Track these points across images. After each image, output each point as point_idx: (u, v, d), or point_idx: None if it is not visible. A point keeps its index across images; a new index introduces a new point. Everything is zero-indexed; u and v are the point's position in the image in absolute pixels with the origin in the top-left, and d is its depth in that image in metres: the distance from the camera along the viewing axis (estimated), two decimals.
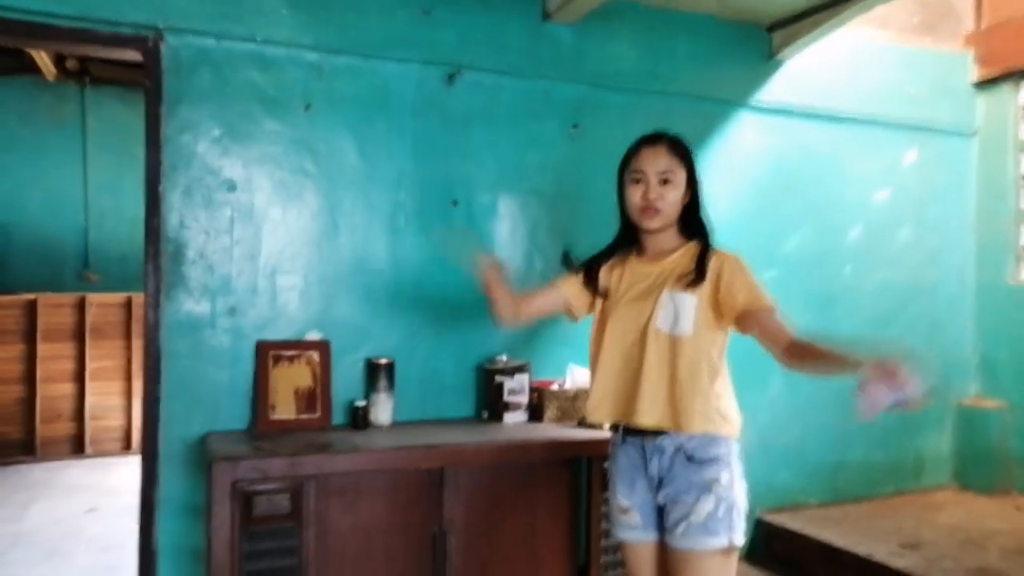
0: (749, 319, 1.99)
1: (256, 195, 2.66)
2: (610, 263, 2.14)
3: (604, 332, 2.05)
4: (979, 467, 3.86)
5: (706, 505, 1.91)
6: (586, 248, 3.08)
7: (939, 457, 3.92)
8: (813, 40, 3.40)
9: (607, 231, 3.17)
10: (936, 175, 3.92)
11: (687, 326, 1.93)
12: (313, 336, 2.70)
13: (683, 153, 2.07)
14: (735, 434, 2.02)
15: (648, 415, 1.94)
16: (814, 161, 3.62)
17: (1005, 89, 3.90)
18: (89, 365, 6.13)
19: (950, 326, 3.95)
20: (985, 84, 3.94)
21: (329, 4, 2.75)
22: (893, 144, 3.81)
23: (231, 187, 2.63)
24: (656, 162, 2.03)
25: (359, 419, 2.65)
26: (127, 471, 5.49)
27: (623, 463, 2.04)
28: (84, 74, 6.33)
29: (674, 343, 1.94)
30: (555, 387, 2.93)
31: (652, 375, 1.94)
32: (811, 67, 3.57)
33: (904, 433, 3.82)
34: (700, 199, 2.09)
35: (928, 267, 3.90)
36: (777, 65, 3.52)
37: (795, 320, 3.50)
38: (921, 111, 3.84)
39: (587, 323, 3.11)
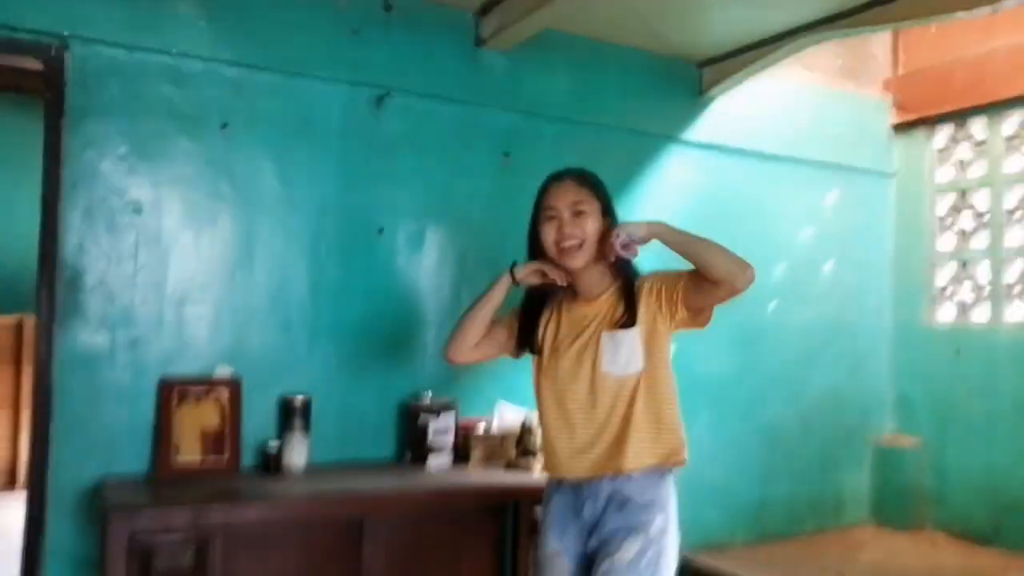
0: (691, 298, 1.97)
1: (165, 218, 2.47)
2: (544, 315, 2.03)
3: (548, 386, 1.96)
4: (896, 504, 3.91)
5: (634, 545, 1.83)
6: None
7: (858, 494, 3.96)
8: (742, 79, 3.43)
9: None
10: (857, 215, 4.01)
11: (636, 362, 1.86)
12: (223, 371, 2.51)
13: (592, 184, 2.01)
14: (682, 462, 2.01)
15: (591, 466, 1.85)
16: (740, 198, 3.64)
17: (921, 134, 4.03)
18: None
19: (869, 364, 4.02)
20: (902, 128, 4.06)
21: (252, 18, 2.59)
22: (816, 183, 3.88)
23: (137, 209, 2.43)
24: (566, 195, 1.97)
25: (271, 463, 2.46)
26: (10, 511, 5.07)
27: (556, 508, 1.96)
28: None
29: (625, 384, 1.88)
30: (482, 428, 2.81)
31: (610, 424, 1.87)
32: (739, 105, 3.60)
33: (825, 469, 3.85)
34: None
35: (849, 305, 3.97)
36: (707, 102, 3.53)
37: (721, 356, 3.52)
38: (843, 152, 3.92)
39: (518, 362, 3.03)
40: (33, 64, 2.40)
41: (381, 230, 2.80)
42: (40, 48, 2.33)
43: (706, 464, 3.48)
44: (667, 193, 3.42)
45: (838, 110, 3.91)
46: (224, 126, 2.55)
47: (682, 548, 3.35)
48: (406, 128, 2.86)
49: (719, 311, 3.47)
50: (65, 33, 2.35)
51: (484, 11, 2.95)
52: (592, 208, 1.96)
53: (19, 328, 5.49)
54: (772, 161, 3.71)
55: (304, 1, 2.69)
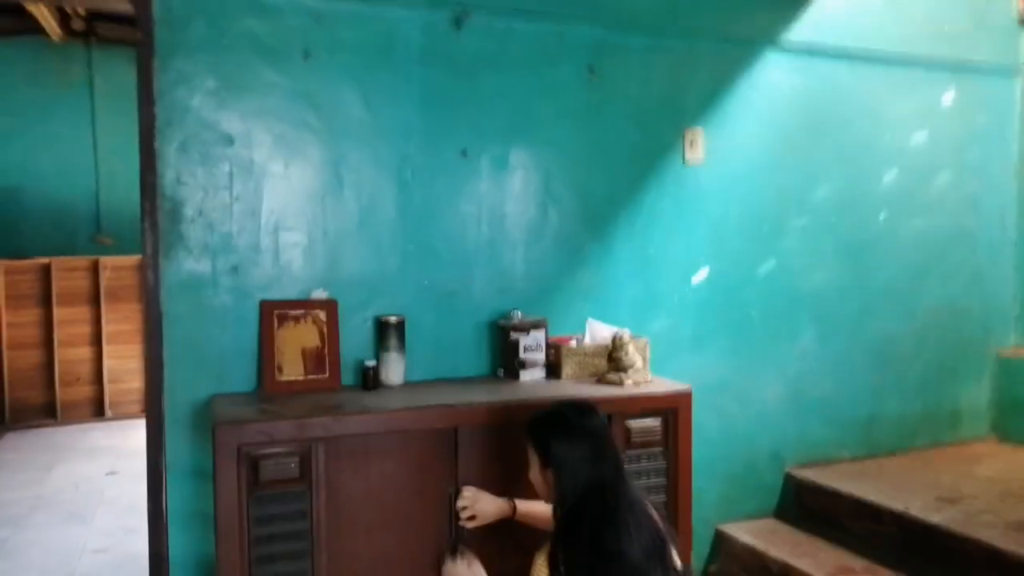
0: None
1: (255, 150, 2.54)
2: None
3: None
4: (1017, 417, 3.71)
5: None
6: (603, 199, 2.97)
7: (977, 408, 3.77)
8: None
9: (626, 180, 3.04)
10: (976, 116, 3.70)
11: None
12: (319, 295, 2.60)
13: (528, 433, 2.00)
14: None
15: None
16: (846, 103, 3.42)
17: None
18: (105, 328, 6.13)
19: (990, 275, 3.77)
20: None
21: None
22: (930, 84, 3.60)
23: (229, 142, 2.50)
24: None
25: (369, 379, 2.55)
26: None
27: None
28: (90, 34, 6.21)
29: None
30: (573, 343, 2.82)
31: None
32: (842, 4, 3.36)
33: (941, 384, 3.68)
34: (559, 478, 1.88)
35: (968, 214, 3.71)
36: (806, 2, 3.30)
37: (826, 269, 3.38)
38: (961, 47, 3.61)
39: (609, 274, 3.01)
40: (124, 6, 2.48)
41: (465, 152, 2.79)
42: None
43: (812, 380, 3.40)
44: (767, 103, 3.26)
45: (954, 2, 3.60)
46: (307, 56, 2.58)
47: (785, 462, 3.34)
48: (487, 48, 2.81)
49: (824, 225, 3.34)
50: None
51: None
52: (531, 458, 1.98)
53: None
54: (880, 62, 3.46)
55: None
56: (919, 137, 3.59)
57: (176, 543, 2.48)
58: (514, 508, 2.27)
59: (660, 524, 1.85)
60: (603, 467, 1.85)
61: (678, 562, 1.83)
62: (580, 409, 1.95)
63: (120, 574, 3.43)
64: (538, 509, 2.21)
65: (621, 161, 3.03)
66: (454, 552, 2.16)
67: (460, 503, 2.27)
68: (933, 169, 3.63)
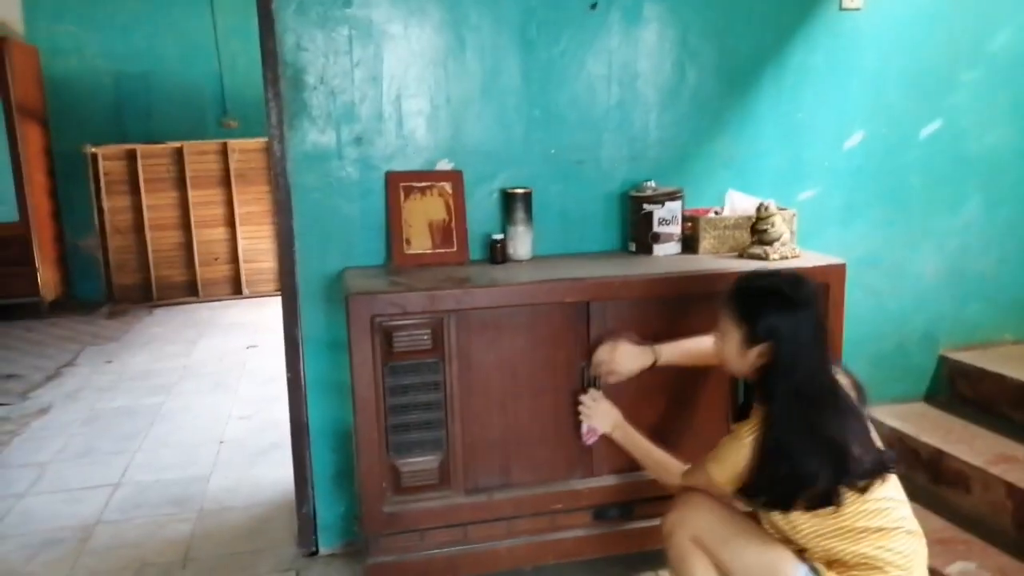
0: None
1: (374, 10, 2.40)
2: None
3: None
4: None
5: None
6: (746, 55, 2.69)
7: None
8: None
9: (772, 32, 2.73)
10: None
11: None
12: (444, 166, 2.50)
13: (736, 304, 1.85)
14: None
15: None
16: None
17: None
18: (238, 210, 6.33)
19: None
20: None
21: None
22: None
23: (347, 2, 2.37)
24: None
25: (497, 253, 2.47)
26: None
27: None
28: None
29: None
30: (711, 215, 2.62)
31: None
32: None
33: None
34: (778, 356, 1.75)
35: None
36: None
37: (999, 128, 2.99)
38: None
39: (752, 140, 2.76)
40: None
41: (594, 4, 2.56)
42: None
43: (975, 254, 3.09)
44: None
45: None
46: None
47: (940, 344, 3.09)
48: None
49: (1001, 81, 2.94)
50: None
51: None
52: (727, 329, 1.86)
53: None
54: None
55: None
56: None
57: (315, 411, 2.55)
58: (655, 357, 2.19)
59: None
60: (823, 347, 1.76)
61: (879, 443, 1.79)
62: (794, 280, 1.80)
63: (264, 438, 3.61)
64: (685, 347, 2.17)
65: (767, 9, 2.71)
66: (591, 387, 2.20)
67: (596, 357, 2.22)
68: None
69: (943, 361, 3.11)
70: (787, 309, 1.74)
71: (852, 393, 1.78)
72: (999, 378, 2.88)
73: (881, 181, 2.92)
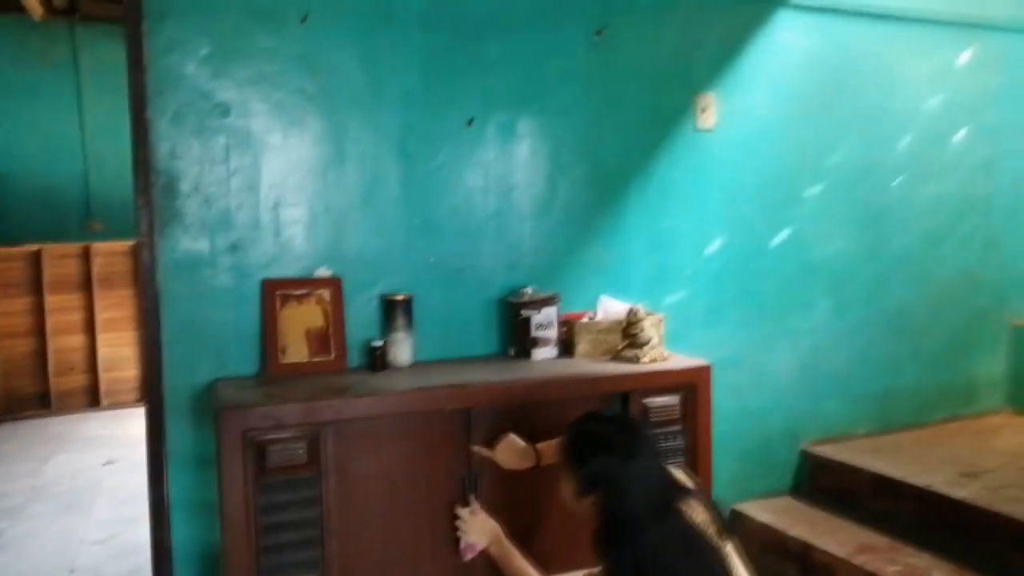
0: None
1: (252, 120, 2.42)
2: None
3: None
4: None
5: None
6: (613, 168, 2.86)
7: (993, 380, 3.69)
8: None
9: (637, 148, 2.93)
10: (992, 77, 3.59)
11: None
12: (323, 273, 2.49)
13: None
14: None
15: None
16: (860, 65, 3.31)
17: None
18: (99, 315, 6.01)
19: (1005, 242, 3.67)
20: None
21: None
22: (946, 44, 3.48)
23: (224, 111, 2.38)
24: None
25: (377, 360, 2.45)
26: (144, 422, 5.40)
27: None
28: (73, 11, 6.03)
29: None
30: (586, 320, 2.72)
31: None
32: None
33: (956, 356, 3.60)
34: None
35: (982, 179, 3.61)
36: None
37: (842, 237, 3.28)
38: (977, 6, 3.49)
39: (621, 248, 2.91)
40: None
41: (471, 121, 2.67)
42: None
43: (826, 353, 3.31)
44: (779, 64, 3.14)
45: None
46: (304, 19, 2.45)
47: (800, 439, 3.26)
48: (489, 9, 2.68)
49: (840, 191, 3.25)
50: None
51: None
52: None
53: (137, 252, 5.75)
54: (895, 21, 3.33)
55: None
56: (934, 100, 3.48)
57: (179, 533, 2.38)
58: (537, 457, 2.19)
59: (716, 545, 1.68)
60: (662, 494, 1.68)
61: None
62: (624, 425, 1.80)
63: (122, 565, 3.33)
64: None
65: (632, 128, 2.91)
66: (465, 503, 2.16)
67: (480, 453, 2.23)
68: (947, 133, 3.52)
69: (804, 455, 3.27)
70: (616, 458, 1.67)
71: (710, 529, 1.68)
72: (855, 470, 3.06)
73: (740, 285, 3.12)
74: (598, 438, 1.74)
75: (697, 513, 1.69)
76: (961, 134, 3.55)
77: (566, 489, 1.79)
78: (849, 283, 3.34)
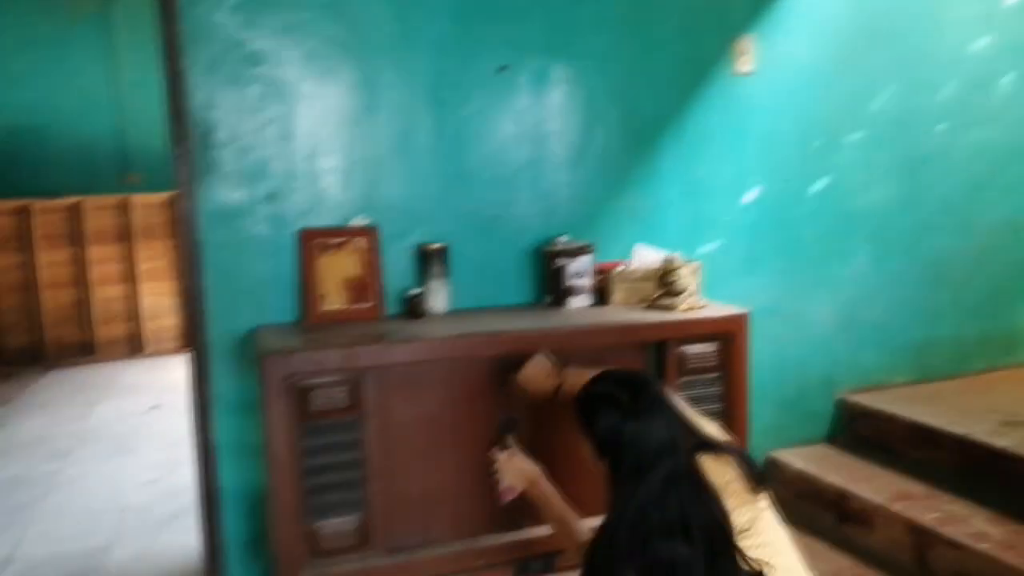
0: None
1: (285, 69, 2.41)
2: None
3: None
4: None
5: None
6: (649, 115, 2.82)
7: None
8: None
9: (672, 94, 2.88)
10: None
11: None
12: (359, 221, 2.51)
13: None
14: None
15: None
16: (903, 8, 3.20)
17: None
18: (139, 266, 6.12)
19: None
20: None
21: None
22: None
23: (257, 60, 2.38)
24: None
25: (414, 308, 2.48)
26: (186, 369, 5.54)
27: None
28: None
29: None
30: (620, 268, 2.71)
31: None
32: None
33: (998, 305, 3.53)
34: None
35: None
36: None
37: (883, 186, 3.22)
38: None
39: (657, 196, 2.88)
40: None
41: (503, 67, 2.65)
42: None
43: (865, 302, 3.28)
44: (819, 6, 3.05)
45: None
46: None
47: (837, 388, 3.25)
48: None
49: (880, 139, 3.17)
50: None
51: None
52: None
53: (173, 204, 5.83)
54: None
55: None
56: (980, 43, 3.36)
57: (225, 475, 2.46)
58: (560, 380, 2.15)
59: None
60: (679, 455, 1.61)
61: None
62: (636, 382, 1.73)
63: (170, 505, 3.45)
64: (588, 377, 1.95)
65: (667, 74, 2.86)
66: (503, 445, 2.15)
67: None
68: (995, 77, 3.41)
69: (841, 404, 3.26)
70: (622, 418, 1.65)
71: (736, 485, 1.63)
72: (893, 418, 3.05)
73: (777, 234, 3.09)
74: (605, 398, 1.72)
75: (722, 470, 1.64)
76: (1008, 78, 3.43)
77: (585, 452, 1.78)
78: (889, 232, 3.28)
